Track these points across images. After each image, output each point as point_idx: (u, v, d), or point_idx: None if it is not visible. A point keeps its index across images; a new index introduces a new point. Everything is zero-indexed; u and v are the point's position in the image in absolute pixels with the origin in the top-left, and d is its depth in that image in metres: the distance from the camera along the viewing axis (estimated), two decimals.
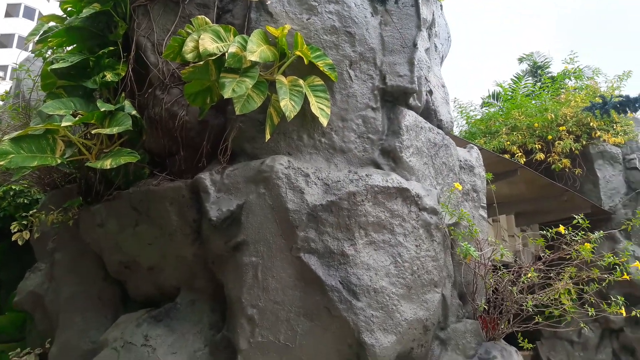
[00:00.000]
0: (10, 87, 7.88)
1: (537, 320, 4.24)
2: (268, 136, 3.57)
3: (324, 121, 3.66)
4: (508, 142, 8.82)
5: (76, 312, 4.48)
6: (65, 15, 4.48)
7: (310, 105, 3.63)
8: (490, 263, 4.25)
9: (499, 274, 4.28)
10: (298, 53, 3.70)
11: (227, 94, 3.33)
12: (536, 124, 8.87)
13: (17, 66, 6.45)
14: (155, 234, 3.94)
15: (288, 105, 3.47)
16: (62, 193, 4.94)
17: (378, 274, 3.39)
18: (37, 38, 4.40)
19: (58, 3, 4.48)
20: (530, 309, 4.10)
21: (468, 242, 4.03)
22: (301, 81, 3.64)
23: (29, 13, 34.78)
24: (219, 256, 3.62)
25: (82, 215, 4.41)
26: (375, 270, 3.39)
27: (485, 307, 4.13)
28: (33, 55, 5.69)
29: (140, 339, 3.69)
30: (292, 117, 3.48)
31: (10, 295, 5.58)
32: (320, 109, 3.67)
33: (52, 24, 4.48)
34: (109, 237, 4.22)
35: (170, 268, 3.94)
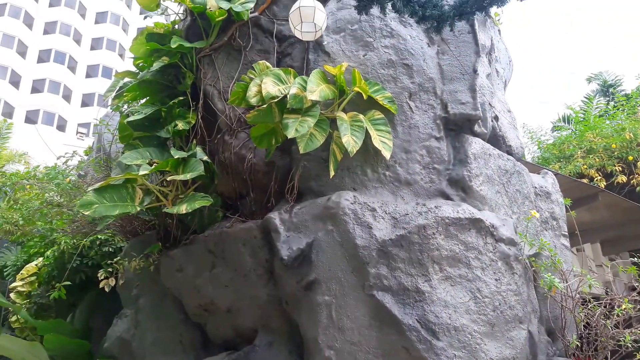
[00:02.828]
0: (93, 142, 8.46)
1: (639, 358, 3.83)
2: (332, 173, 3.59)
3: (386, 154, 3.64)
4: (585, 166, 8.29)
5: (161, 357, 4.57)
6: (137, 71, 4.80)
7: (372, 139, 3.63)
8: (578, 295, 3.94)
9: (589, 307, 3.95)
10: (357, 89, 3.74)
11: (290, 134, 3.42)
12: (614, 145, 8.31)
13: (98, 122, 6.95)
14: (230, 276, 4.00)
15: (350, 141, 3.49)
16: (143, 240, 5.07)
17: (457, 311, 3.23)
18: (113, 94, 4.72)
19: (132, 60, 4.82)
20: (630, 345, 3.72)
21: (551, 273, 3.77)
22: (361, 116, 3.66)
23: (107, 72, 38.06)
24: (292, 296, 3.60)
25: (162, 261, 4.54)
26: (453, 307, 3.24)
27: (578, 343, 3.80)
28: (112, 110, 6.12)
29: None
30: (355, 152, 3.49)
31: (101, 341, 5.75)
32: (382, 142, 3.66)
33: (126, 79, 4.81)
34: (188, 280, 4.31)
35: (247, 309, 3.96)
